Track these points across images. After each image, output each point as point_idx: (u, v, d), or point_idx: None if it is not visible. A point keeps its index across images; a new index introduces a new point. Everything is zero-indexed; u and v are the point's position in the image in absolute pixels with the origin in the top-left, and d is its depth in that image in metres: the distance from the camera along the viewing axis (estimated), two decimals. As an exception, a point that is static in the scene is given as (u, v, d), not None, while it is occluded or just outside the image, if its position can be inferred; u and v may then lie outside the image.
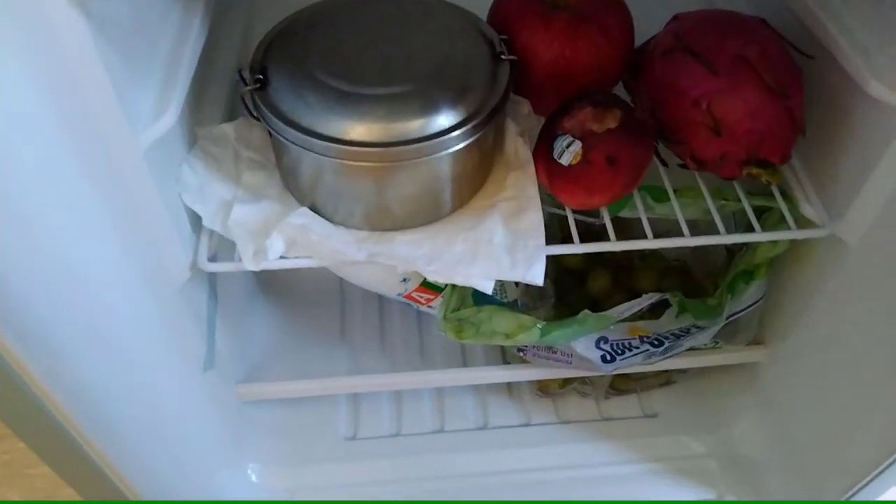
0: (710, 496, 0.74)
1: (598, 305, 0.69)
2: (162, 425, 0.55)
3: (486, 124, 0.53)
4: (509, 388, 0.81)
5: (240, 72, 0.54)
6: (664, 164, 0.60)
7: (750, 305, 0.67)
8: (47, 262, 0.39)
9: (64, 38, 0.38)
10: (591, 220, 0.64)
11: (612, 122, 0.53)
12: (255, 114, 0.54)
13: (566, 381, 0.78)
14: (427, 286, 0.71)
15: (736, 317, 0.68)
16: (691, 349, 0.67)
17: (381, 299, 0.84)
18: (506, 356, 0.77)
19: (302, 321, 0.81)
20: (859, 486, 0.63)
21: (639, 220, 0.60)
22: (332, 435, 0.76)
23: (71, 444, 0.44)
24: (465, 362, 0.79)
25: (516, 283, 0.73)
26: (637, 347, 0.64)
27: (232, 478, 0.70)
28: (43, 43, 0.36)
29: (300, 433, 0.75)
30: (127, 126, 0.43)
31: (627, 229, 0.64)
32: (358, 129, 0.51)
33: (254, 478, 0.72)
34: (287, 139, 0.51)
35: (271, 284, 0.82)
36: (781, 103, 0.53)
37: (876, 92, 0.50)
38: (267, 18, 0.57)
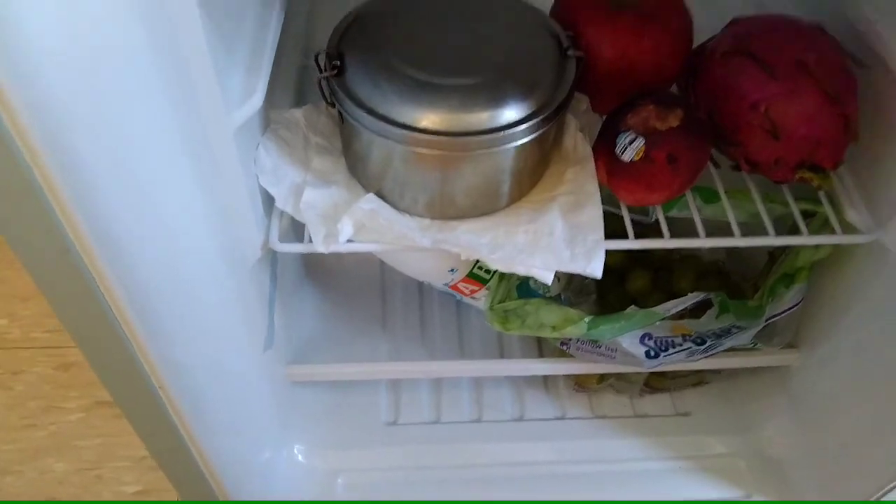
0: (738, 495, 0.76)
1: (637, 305, 0.71)
2: (226, 401, 0.57)
3: (552, 120, 0.55)
4: (545, 381, 0.83)
5: (316, 57, 0.56)
6: (717, 165, 0.62)
7: (789, 308, 0.69)
8: (156, 231, 0.41)
9: (176, 15, 0.40)
10: (641, 217, 0.66)
11: (674, 122, 0.55)
12: (329, 99, 0.56)
13: (602, 378, 0.79)
14: (473, 277, 0.72)
15: (775, 319, 0.69)
16: (729, 349, 0.69)
17: (421, 289, 0.86)
18: (542, 350, 0.79)
19: (344, 308, 0.83)
20: (886, 488, 0.65)
21: (683, 220, 0.62)
22: (373, 420, 0.78)
23: (157, 403, 0.46)
24: (502, 354, 0.81)
25: (558, 278, 0.75)
26: (680, 345, 0.66)
27: (279, 456, 0.72)
28: (158, 21, 0.39)
29: (343, 417, 0.77)
30: (222, 105, 0.45)
31: (674, 229, 0.66)
32: (430, 118, 0.53)
33: (300, 458, 0.74)
34: (363, 124, 0.54)
35: (316, 270, 0.84)
36: (837, 110, 0.55)
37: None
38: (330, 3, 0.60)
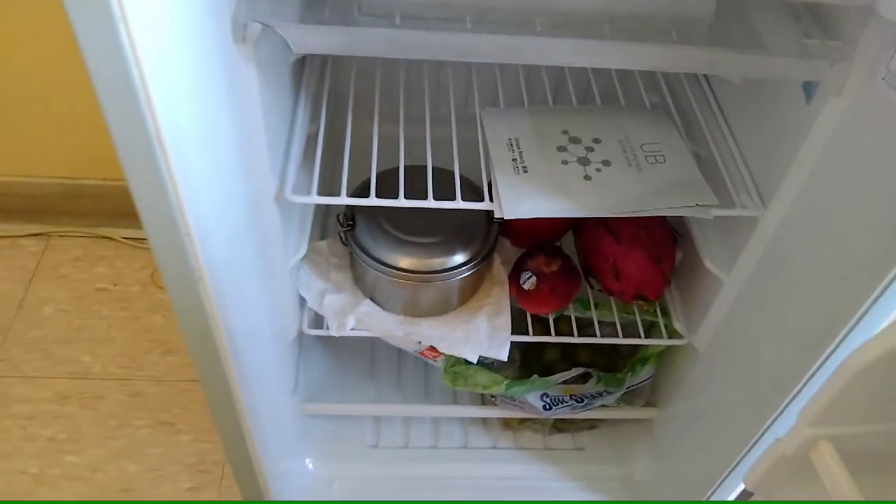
0: (614, 506, 1.10)
1: (550, 369, 1.05)
2: (270, 429, 0.90)
3: (482, 262, 0.89)
4: (484, 421, 1.16)
5: (338, 216, 0.91)
6: (591, 287, 0.97)
7: (644, 381, 1.03)
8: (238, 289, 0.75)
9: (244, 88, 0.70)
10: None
11: (555, 267, 0.90)
12: (345, 241, 0.90)
13: (522, 421, 1.13)
14: (434, 348, 1.06)
15: (635, 387, 1.04)
16: (603, 406, 1.03)
17: (399, 353, 1.19)
18: (483, 399, 1.13)
19: (343, 364, 1.16)
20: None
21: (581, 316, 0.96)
22: (361, 444, 1.11)
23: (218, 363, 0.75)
24: (455, 401, 1.14)
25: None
26: (566, 402, 1.00)
27: (295, 464, 1.05)
28: (233, 86, 0.68)
29: (340, 441, 1.10)
30: (283, 254, 0.79)
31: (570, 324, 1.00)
32: (405, 261, 0.87)
33: (310, 467, 1.07)
34: (364, 262, 0.88)
35: (326, 340, 1.17)
36: (657, 267, 0.89)
37: (708, 265, 0.87)
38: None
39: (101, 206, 1.47)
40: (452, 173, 0.80)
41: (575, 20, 0.64)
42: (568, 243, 1.00)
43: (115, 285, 1.42)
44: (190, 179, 0.53)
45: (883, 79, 0.61)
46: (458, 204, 0.76)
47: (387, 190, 0.77)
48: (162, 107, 0.46)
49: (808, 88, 0.69)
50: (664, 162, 0.79)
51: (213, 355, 0.66)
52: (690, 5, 0.64)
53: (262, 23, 0.55)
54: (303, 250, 0.84)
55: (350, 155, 0.79)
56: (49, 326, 1.34)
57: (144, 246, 1.47)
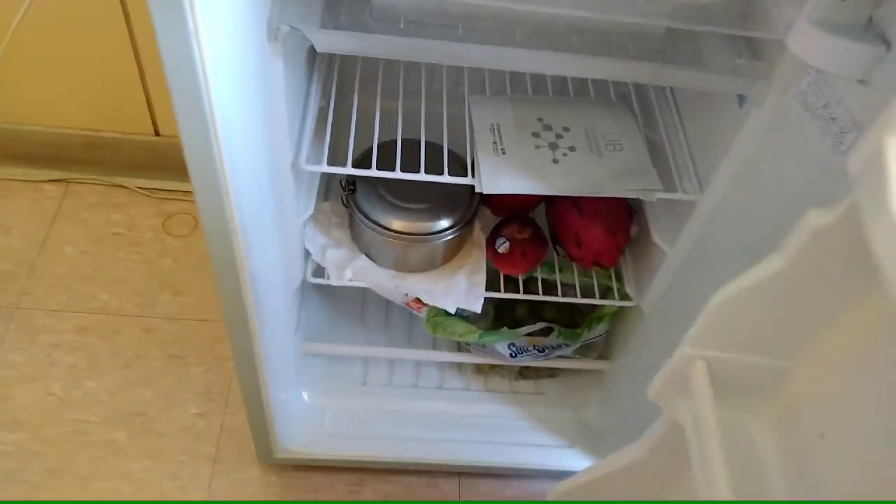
0: (565, 444, 1.26)
1: (519, 323, 1.20)
2: (275, 357, 1.04)
3: (464, 227, 1.04)
4: (459, 366, 1.32)
5: (340, 182, 1.04)
6: (558, 253, 1.12)
7: (597, 336, 1.19)
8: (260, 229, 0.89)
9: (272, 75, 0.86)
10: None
11: (526, 234, 1.05)
12: (345, 203, 1.04)
13: (492, 367, 1.29)
14: (419, 300, 1.21)
15: (590, 342, 1.20)
16: (562, 357, 1.19)
17: (387, 302, 1.34)
18: (459, 346, 1.28)
19: (338, 309, 1.31)
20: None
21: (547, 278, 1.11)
22: (351, 380, 1.27)
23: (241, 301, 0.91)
24: (434, 346, 1.29)
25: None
26: (530, 350, 1.16)
27: (293, 396, 1.21)
28: (264, 75, 0.84)
29: (333, 377, 1.26)
30: (296, 211, 0.93)
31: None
32: (398, 224, 1.01)
33: (306, 399, 1.22)
34: (363, 222, 1.02)
35: (324, 288, 1.32)
36: (613, 238, 1.04)
37: (655, 239, 1.02)
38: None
39: (117, 157, 1.59)
40: (442, 148, 0.94)
41: (549, 31, 0.77)
42: (539, 214, 1.15)
43: (129, 230, 1.55)
44: (230, 148, 0.67)
45: (793, 96, 0.75)
46: (446, 178, 0.90)
47: (385, 161, 0.91)
48: (214, 87, 0.60)
49: (741, 97, 0.83)
50: (621, 150, 0.94)
51: (239, 295, 0.81)
52: (644, 24, 0.77)
53: (291, 26, 0.68)
54: (310, 210, 0.98)
55: (355, 128, 0.92)
56: (70, 265, 1.47)
57: (156, 195, 1.60)
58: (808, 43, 0.64)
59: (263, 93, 0.74)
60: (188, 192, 1.59)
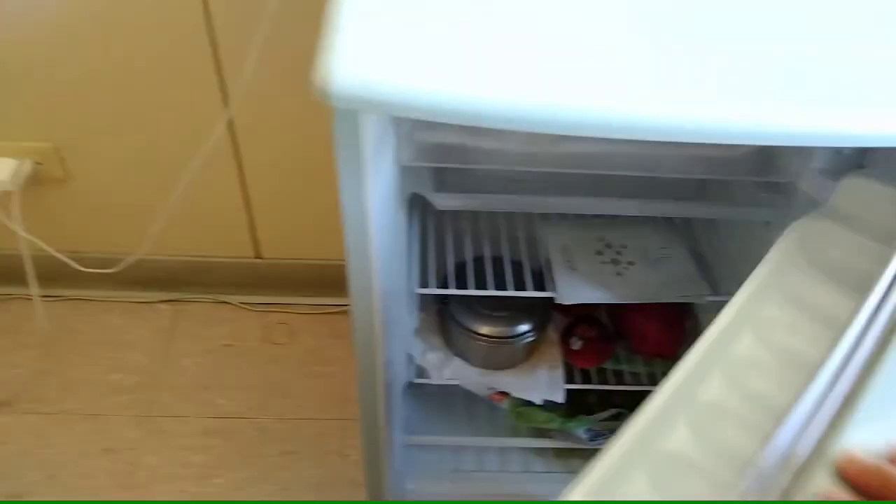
0: None
1: (590, 409, 1.37)
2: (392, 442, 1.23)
3: (541, 330, 1.23)
4: (539, 451, 1.48)
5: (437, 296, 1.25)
6: (624, 347, 1.30)
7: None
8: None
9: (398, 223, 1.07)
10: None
11: (594, 332, 1.24)
12: (440, 314, 1.25)
13: (572, 450, 1.45)
14: (502, 393, 1.39)
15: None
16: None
17: (470, 395, 1.52)
18: (540, 433, 1.44)
19: (426, 405, 1.50)
20: None
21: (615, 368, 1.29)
22: (443, 468, 1.44)
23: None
24: (515, 434, 1.46)
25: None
26: (605, 434, 1.32)
27: (397, 484, 1.38)
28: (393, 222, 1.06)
29: (428, 465, 1.43)
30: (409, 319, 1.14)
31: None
32: (485, 329, 1.21)
33: (412, 487, 1.40)
34: (457, 329, 1.22)
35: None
36: (671, 333, 1.22)
37: (707, 332, 1.19)
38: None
39: (222, 278, 1.83)
40: (521, 264, 1.15)
41: (608, 177, 0.99)
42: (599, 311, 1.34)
43: (236, 342, 1.77)
44: (379, 271, 0.88)
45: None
46: (531, 293, 1.10)
47: (477, 279, 1.12)
48: (374, 229, 0.81)
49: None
50: (670, 261, 1.13)
51: (374, 397, 1.01)
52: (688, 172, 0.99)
53: (418, 193, 0.91)
54: (416, 321, 1.19)
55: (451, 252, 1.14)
56: (188, 375, 1.69)
57: (257, 309, 1.83)
58: (814, 185, 0.84)
59: (393, 236, 0.96)
60: (286, 304, 1.82)
